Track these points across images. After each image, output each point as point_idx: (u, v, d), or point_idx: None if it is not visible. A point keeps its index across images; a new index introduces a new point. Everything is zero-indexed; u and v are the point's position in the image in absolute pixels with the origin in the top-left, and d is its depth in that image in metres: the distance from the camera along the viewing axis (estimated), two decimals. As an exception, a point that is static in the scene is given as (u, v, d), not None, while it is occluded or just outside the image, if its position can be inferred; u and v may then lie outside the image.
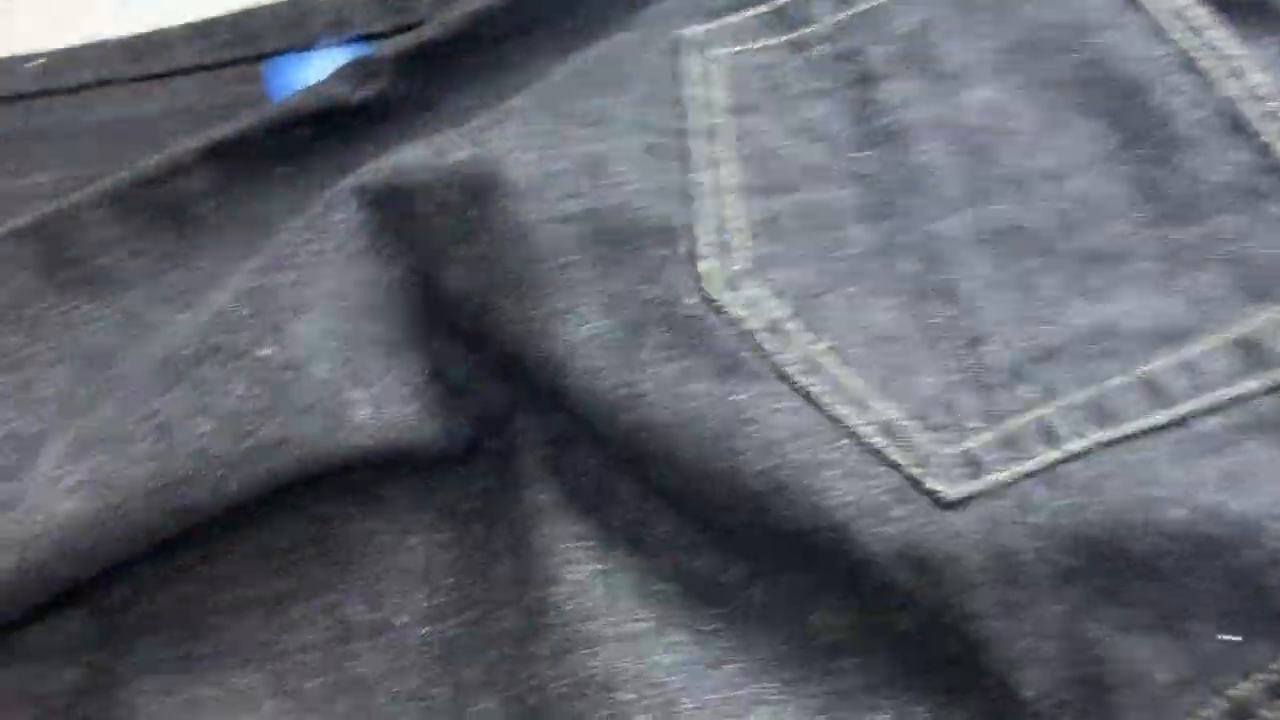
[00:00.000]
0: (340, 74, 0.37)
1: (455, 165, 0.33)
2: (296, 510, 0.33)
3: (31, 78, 0.35)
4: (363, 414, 0.32)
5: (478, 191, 0.33)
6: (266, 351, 0.31)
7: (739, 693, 0.31)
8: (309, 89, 0.36)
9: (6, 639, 0.31)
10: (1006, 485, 0.30)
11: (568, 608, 0.31)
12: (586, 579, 0.31)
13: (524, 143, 0.34)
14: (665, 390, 0.31)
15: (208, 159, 0.35)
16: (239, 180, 0.35)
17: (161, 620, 0.33)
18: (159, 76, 0.35)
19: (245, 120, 0.36)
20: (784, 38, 0.37)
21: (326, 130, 0.36)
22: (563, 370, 0.32)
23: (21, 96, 0.35)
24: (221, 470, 0.30)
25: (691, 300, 0.32)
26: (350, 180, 0.33)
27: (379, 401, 0.32)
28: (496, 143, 0.34)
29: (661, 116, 0.35)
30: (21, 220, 0.34)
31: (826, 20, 0.38)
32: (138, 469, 0.30)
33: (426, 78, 0.37)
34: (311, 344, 0.31)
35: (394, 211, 0.33)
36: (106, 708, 0.32)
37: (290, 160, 0.36)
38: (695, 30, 0.37)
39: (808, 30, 0.38)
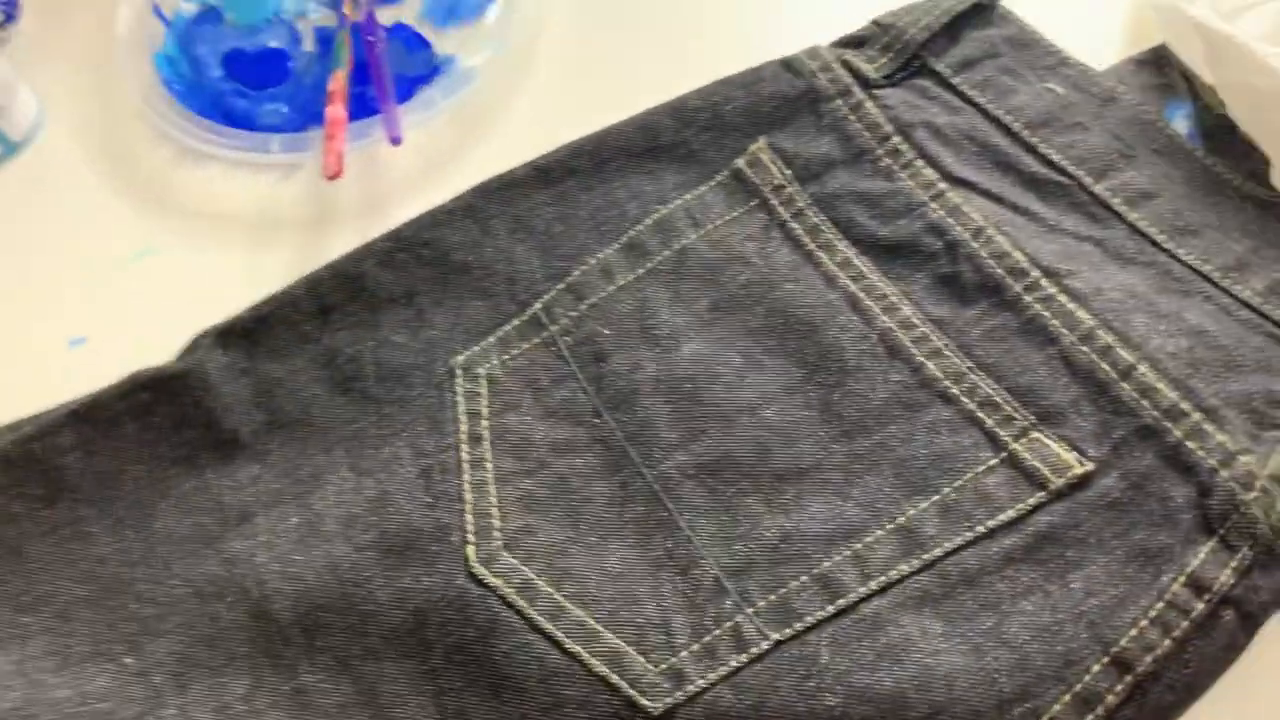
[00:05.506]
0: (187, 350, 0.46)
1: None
2: None
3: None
4: None
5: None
6: None
7: None
8: (146, 369, 0.45)
9: None
10: (701, 693, 0.38)
11: None
12: None
13: (339, 491, 0.43)
14: (452, 658, 0.39)
15: (71, 420, 0.44)
16: (95, 437, 0.44)
17: None
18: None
19: (99, 390, 0.44)
20: (536, 339, 0.46)
21: (162, 394, 0.45)
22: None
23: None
24: None
25: (460, 579, 0.40)
26: None
27: None
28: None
29: (435, 441, 0.44)
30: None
31: (568, 316, 0.46)
32: None
33: (238, 350, 0.46)
34: None
35: None
36: None
37: (135, 419, 0.44)
38: (464, 356, 0.46)
39: (555, 328, 0.46)
